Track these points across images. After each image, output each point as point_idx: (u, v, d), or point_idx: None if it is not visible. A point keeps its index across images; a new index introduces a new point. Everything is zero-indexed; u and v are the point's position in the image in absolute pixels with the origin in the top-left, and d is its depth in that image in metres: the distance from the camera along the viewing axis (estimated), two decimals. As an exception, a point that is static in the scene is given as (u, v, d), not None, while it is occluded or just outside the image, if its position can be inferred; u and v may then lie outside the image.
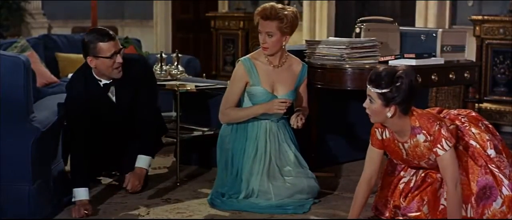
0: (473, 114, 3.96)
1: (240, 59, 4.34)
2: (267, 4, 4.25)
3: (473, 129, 3.79)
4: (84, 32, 7.98)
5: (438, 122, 3.53)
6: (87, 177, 4.14)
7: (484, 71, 6.65)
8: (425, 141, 3.55)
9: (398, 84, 3.43)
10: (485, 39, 6.66)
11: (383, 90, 3.44)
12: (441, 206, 3.67)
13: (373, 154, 3.73)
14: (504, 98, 6.61)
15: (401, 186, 3.86)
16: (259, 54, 4.35)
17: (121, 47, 4.20)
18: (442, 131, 3.50)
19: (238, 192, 4.22)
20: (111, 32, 4.19)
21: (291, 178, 4.22)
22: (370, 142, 3.75)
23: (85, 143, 4.10)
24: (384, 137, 3.69)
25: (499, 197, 3.63)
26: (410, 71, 3.52)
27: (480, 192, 3.64)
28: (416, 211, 3.73)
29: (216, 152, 4.39)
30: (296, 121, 4.21)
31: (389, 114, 3.48)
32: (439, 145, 3.50)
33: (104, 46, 4.12)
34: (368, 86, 3.50)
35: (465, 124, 3.82)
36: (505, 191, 3.64)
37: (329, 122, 5.02)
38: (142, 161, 4.35)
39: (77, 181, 4.03)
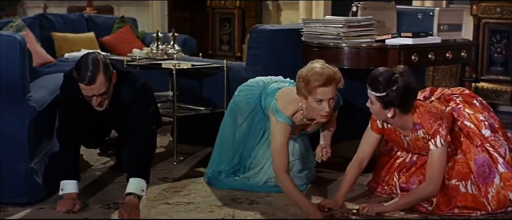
0: (467, 91, 4.00)
1: (282, 119, 3.87)
2: (318, 69, 3.70)
3: (467, 110, 3.84)
4: (79, 12, 7.99)
5: (438, 122, 3.57)
6: (77, 169, 3.86)
7: (481, 50, 6.65)
8: (423, 137, 3.61)
9: (394, 88, 3.45)
10: (482, 18, 6.65)
11: (381, 94, 3.48)
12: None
13: (370, 138, 3.78)
14: (501, 77, 6.62)
15: (396, 164, 3.89)
16: (294, 107, 3.90)
17: (98, 93, 3.77)
18: (440, 129, 3.55)
19: (235, 170, 4.23)
20: (91, 75, 3.70)
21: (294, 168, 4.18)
22: (370, 126, 3.77)
23: (75, 134, 3.88)
24: (385, 126, 3.72)
25: (496, 174, 3.69)
26: (408, 72, 3.52)
27: (479, 170, 3.68)
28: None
29: (212, 131, 4.38)
30: (321, 155, 4.12)
31: (389, 115, 3.55)
32: (433, 140, 3.56)
33: (82, 87, 3.74)
34: (368, 88, 3.54)
35: (460, 105, 3.86)
36: (500, 168, 3.71)
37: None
38: (133, 185, 3.72)
39: (65, 173, 3.77)
